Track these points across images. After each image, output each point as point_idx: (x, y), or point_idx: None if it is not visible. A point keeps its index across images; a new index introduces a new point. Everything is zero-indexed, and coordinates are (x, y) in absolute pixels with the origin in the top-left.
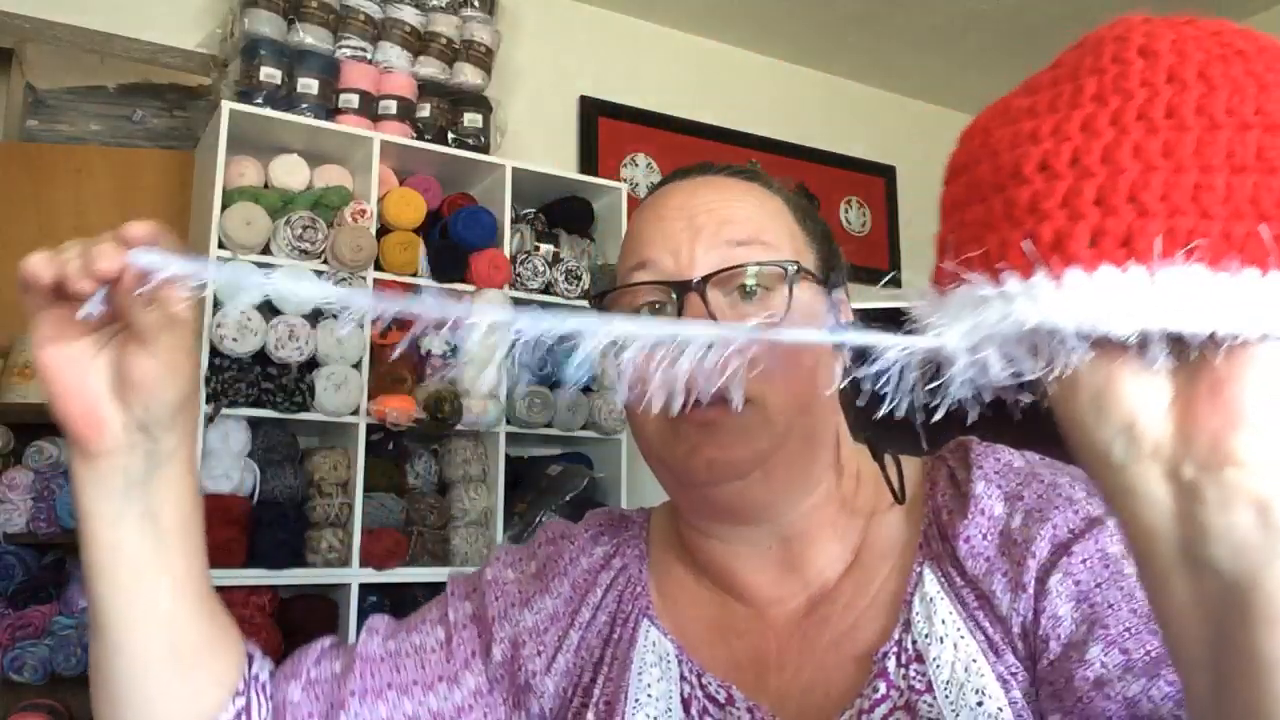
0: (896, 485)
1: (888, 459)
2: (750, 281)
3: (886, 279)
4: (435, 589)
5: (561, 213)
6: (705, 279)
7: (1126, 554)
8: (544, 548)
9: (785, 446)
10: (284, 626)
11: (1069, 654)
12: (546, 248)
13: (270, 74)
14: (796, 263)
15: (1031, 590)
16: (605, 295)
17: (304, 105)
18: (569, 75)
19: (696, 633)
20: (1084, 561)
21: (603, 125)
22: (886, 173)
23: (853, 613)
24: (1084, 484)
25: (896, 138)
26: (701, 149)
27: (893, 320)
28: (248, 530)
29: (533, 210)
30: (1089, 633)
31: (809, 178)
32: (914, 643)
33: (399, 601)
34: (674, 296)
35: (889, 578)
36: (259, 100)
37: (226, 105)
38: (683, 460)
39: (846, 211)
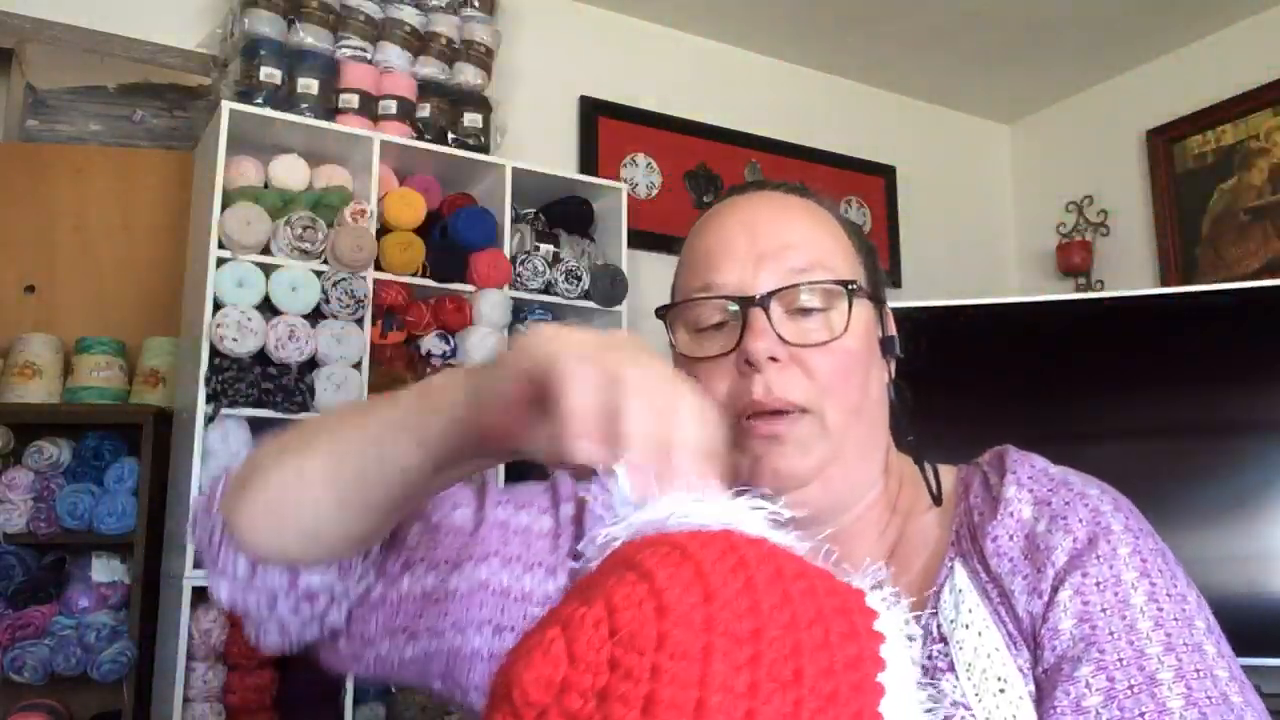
0: (934, 489)
1: (927, 465)
2: (810, 299)
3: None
4: None
5: (561, 213)
6: (769, 294)
7: (1138, 581)
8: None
9: (842, 455)
10: None
11: (1060, 666)
12: (546, 248)
13: (270, 74)
14: (854, 281)
15: (1045, 598)
16: (669, 310)
17: (304, 105)
18: (569, 75)
19: None
20: (1097, 584)
21: (603, 125)
22: (886, 173)
23: None
24: (1112, 497)
25: (896, 138)
26: (701, 149)
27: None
28: None
29: (533, 210)
30: (1084, 651)
31: (809, 178)
32: (939, 626)
33: None
34: (735, 310)
35: (921, 572)
36: (259, 100)
37: (226, 105)
38: (747, 471)
39: (846, 211)
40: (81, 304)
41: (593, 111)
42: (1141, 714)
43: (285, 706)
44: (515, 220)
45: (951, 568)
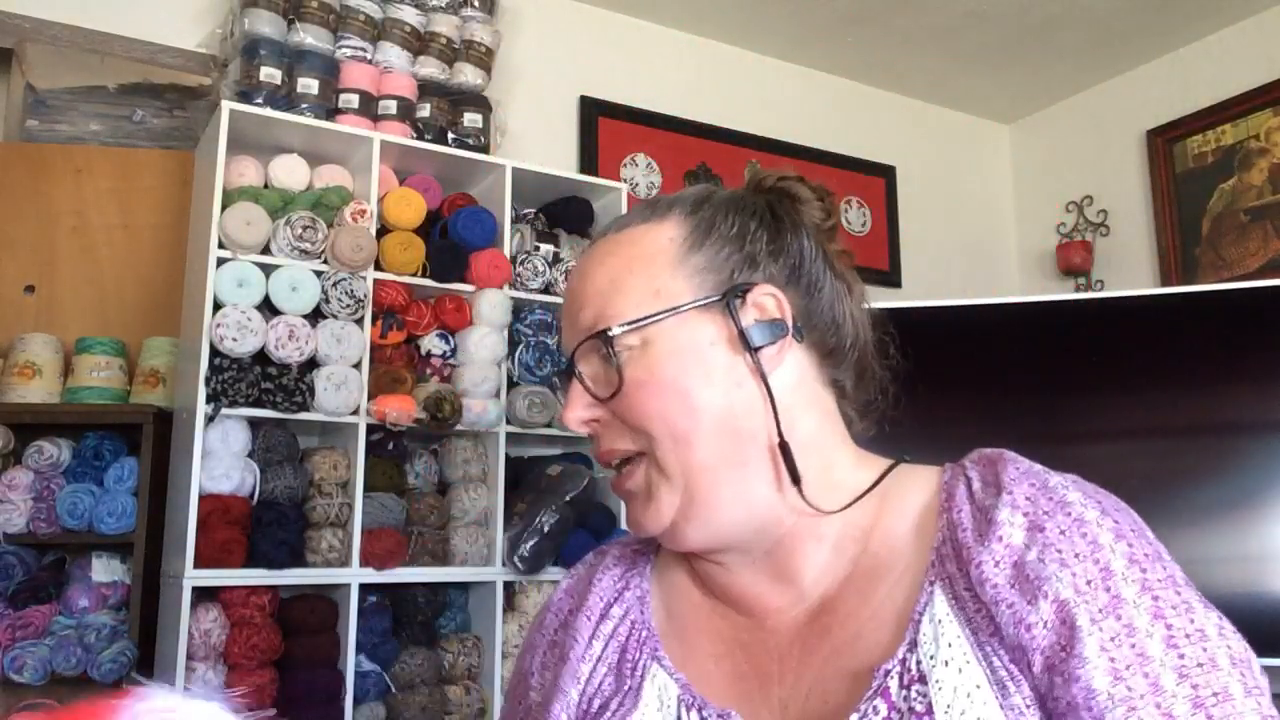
0: (860, 490)
1: (902, 465)
2: (587, 356)
3: (886, 279)
4: (435, 589)
5: (561, 213)
6: (571, 360)
7: (1153, 626)
8: (566, 600)
9: (698, 487)
10: (284, 626)
11: None
12: (547, 248)
13: (270, 74)
14: (604, 331)
15: (1052, 642)
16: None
17: (304, 105)
18: (569, 75)
19: (703, 647)
20: (1114, 639)
21: (603, 125)
22: (886, 173)
23: (855, 623)
24: (1112, 520)
25: (896, 138)
26: (701, 149)
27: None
28: (248, 530)
29: (533, 210)
30: (1125, 717)
31: (809, 178)
32: (919, 663)
33: (399, 601)
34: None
35: (894, 590)
36: (259, 100)
37: (226, 105)
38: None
39: (846, 211)
40: (81, 304)
41: (593, 111)
42: None
43: (285, 706)
44: (515, 220)
45: (931, 594)
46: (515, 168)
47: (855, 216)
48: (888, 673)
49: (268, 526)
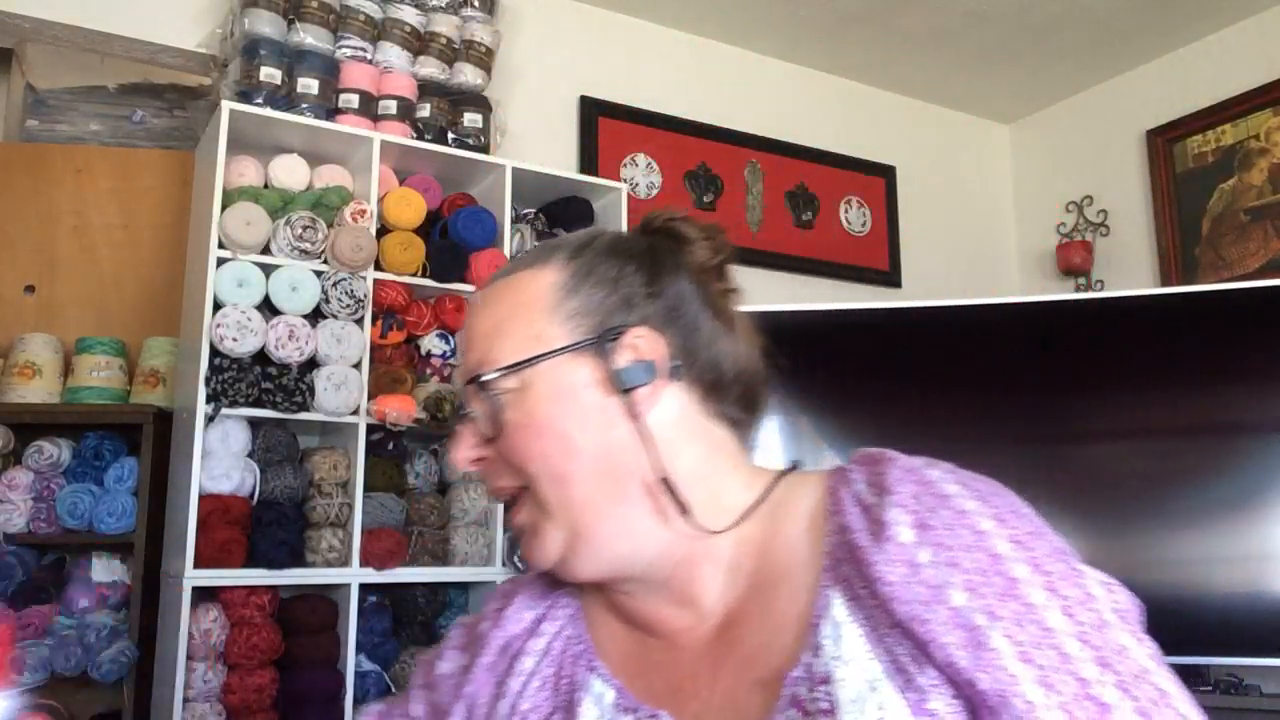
0: (743, 510)
1: (793, 474)
2: (481, 401)
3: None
4: (435, 589)
5: (561, 213)
6: (463, 409)
7: (1049, 601)
8: (477, 626)
9: (582, 521)
10: (284, 626)
11: (1035, 717)
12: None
13: (270, 74)
14: (477, 377)
15: (959, 637)
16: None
17: (304, 105)
18: (569, 75)
19: (628, 670)
20: (1018, 623)
21: (603, 125)
22: (886, 173)
23: (759, 634)
24: (991, 508)
25: (896, 138)
26: (701, 149)
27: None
28: (248, 530)
29: (533, 210)
30: (1046, 696)
31: (809, 178)
32: (823, 664)
33: (399, 601)
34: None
35: (793, 597)
36: (259, 100)
37: (226, 105)
38: None
39: (846, 211)
40: (81, 304)
41: (593, 111)
42: None
43: (285, 706)
44: (515, 220)
45: (829, 597)
46: (515, 168)
47: (855, 216)
48: (796, 679)
49: (268, 526)
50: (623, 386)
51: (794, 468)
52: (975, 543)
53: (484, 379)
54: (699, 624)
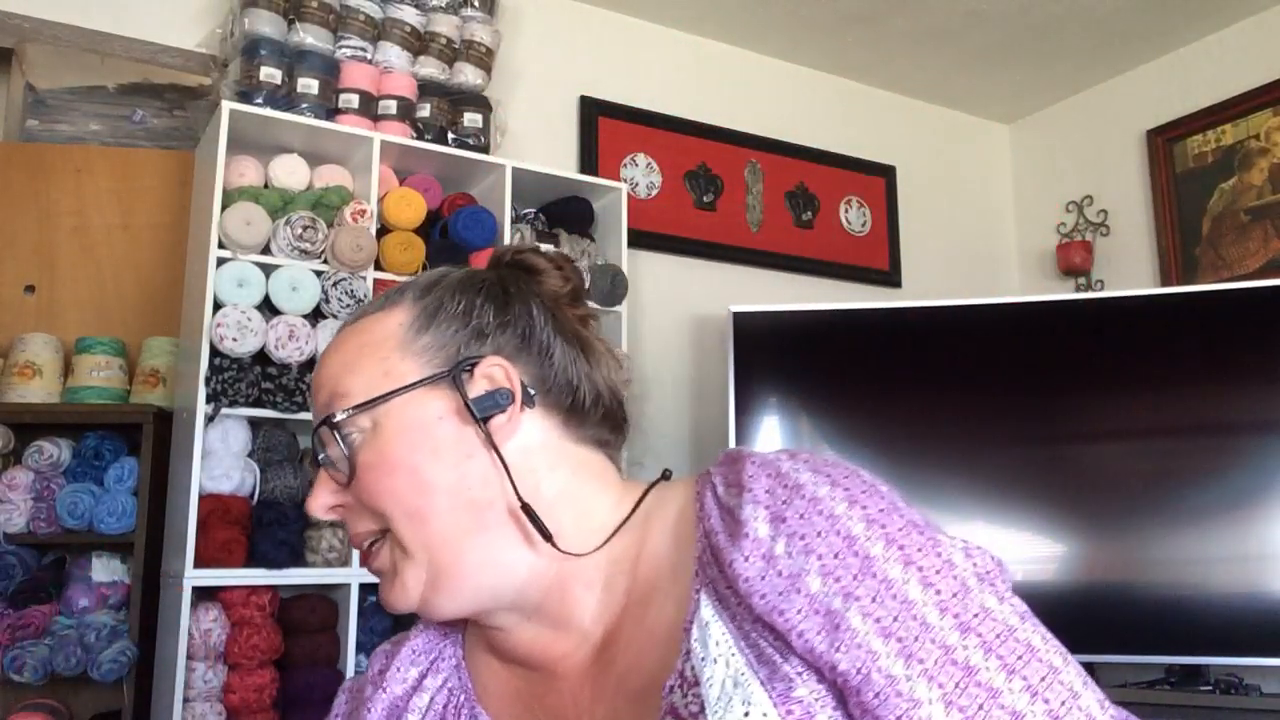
0: (613, 527)
1: (661, 483)
2: (334, 443)
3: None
4: None
5: (561, 213)
6: (317, 456)
7: (906, 573)
8: (361, 691)
9: (442, 560)
10: (284, 626)
11: (896, 690)
12: (547, 248)
13: (270, 74)
14: (328, 418)
15: (817, 624)
16: None
17: (304, 105)
18: (569, 75)
19: (513, 711)
20: (874, 599)
21: (603, 125)
22: (886, 173)
23: (635, 648)
24: (843, 490)
25: (896, 138)
26: (701, 149)
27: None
28: (248, 530)
29: (533, 210)
30: (906, 668)
31: (809, 178)
32: (692, 668)
33: None
34: None
35: (665, 607)
36: (259, 100)
37: (226, 105)
38: None
39: (846, 211)
40: (81, 304)
41: (593, 111)
42: (981, 707)
43: (285, 706)
44: (515, 220)
45: (698, 601)
46: (515, 168)
47: (855, 216)
48: (672, 688)
49: (268, 526)
50: (478, 415)
51: (665, 477)
52: (829, 527)
53: (335, 419)
54: (578, 648)
